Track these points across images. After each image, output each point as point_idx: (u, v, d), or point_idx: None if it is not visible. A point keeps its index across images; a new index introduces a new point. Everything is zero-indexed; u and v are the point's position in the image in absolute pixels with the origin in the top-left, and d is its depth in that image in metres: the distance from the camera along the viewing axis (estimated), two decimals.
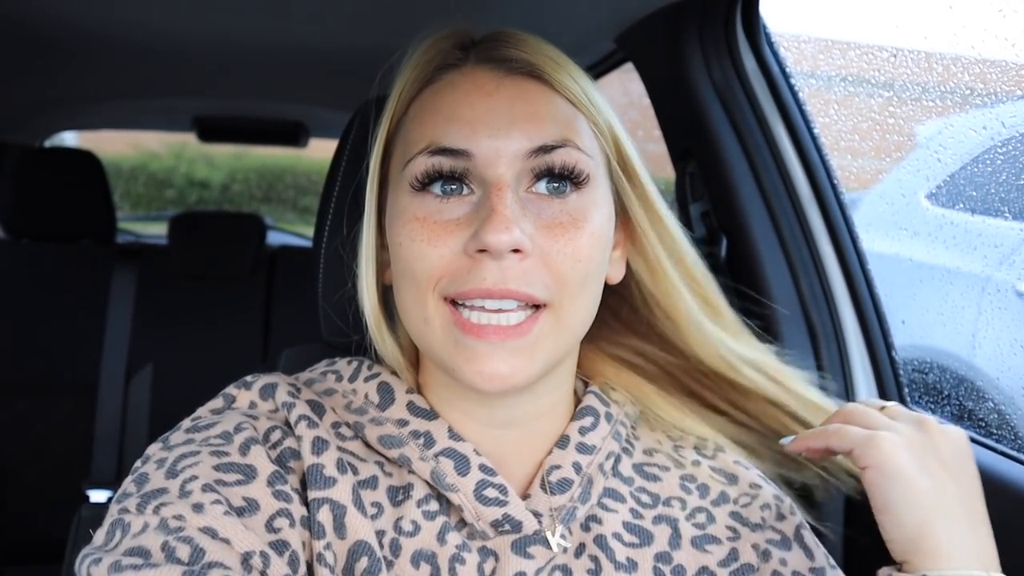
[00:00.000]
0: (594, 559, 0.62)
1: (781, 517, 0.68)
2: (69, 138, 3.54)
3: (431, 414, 0.64)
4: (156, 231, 3.24)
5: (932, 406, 1.17)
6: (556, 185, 0.59)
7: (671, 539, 0.64)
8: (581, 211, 0.59)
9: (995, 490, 0.88)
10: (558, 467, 0.64)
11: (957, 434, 0.62)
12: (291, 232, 3.41)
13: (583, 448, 0.65)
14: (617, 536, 0.63)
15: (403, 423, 0.64)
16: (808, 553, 0.66)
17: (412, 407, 0.64)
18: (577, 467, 0.64)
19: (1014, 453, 0.93)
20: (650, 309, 0.71)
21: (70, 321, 2.13)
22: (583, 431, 0.66)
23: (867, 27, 1.25)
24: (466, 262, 0.57)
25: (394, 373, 0.68)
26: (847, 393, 1.13)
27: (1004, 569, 0.60)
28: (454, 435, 0.63)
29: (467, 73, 0.62)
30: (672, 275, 0.68)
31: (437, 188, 0.59)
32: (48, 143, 2.75)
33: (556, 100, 0.61)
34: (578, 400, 0.70)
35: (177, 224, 2.25)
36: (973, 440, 0.98)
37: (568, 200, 0.59)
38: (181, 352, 2.14)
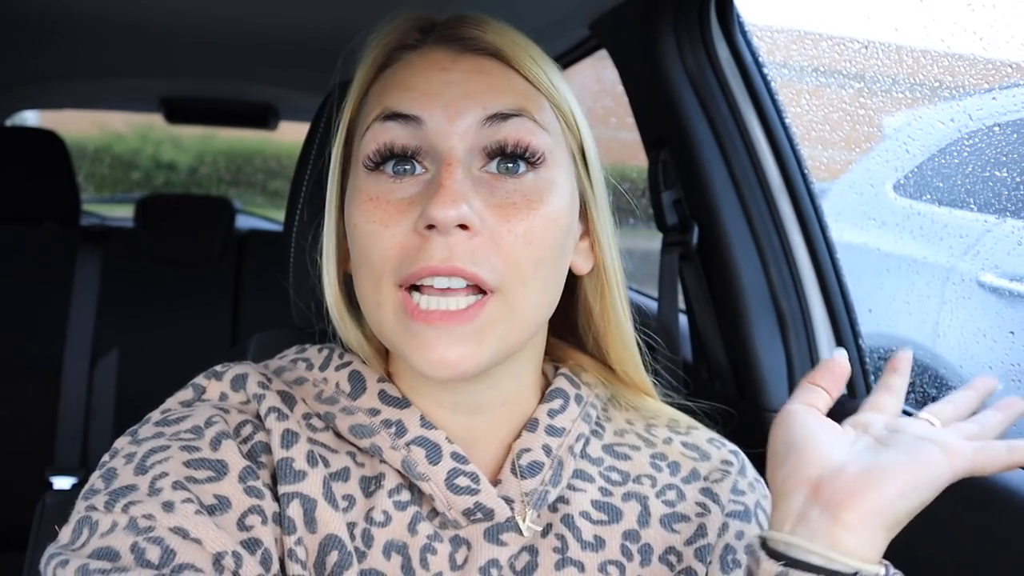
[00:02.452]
0: (560, 537, 0.62)
1: (742, 492, 0.68)
2: (31, 117, 3.46)
3: (403, 402, 0.64)
4: (122, 214, 3.19)
5: None
6: (509, 165, 0.58)
7: (640, 516, 0.64)
8: (536, 191, 0.58)
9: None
10: (528, 450, 0.64)
11: None
12: (260, 216, 3.37)
13: (552, 430, 0.65)
14: (585, 515, 0.63)
15: (374, 412, 0.63)
16: (764, 529, 0.67)
17: (384, 395, 0.64)
18: (547, 449, 0.64)
19: None
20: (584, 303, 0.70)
21: (33, 305, 2.09)
22: (552, 413, 0.66)
23: (839, 19, 1.26)
24: (416, 240, 0.56)
25: (365, 361, 0.67)
26: None
27: (972, 556, 0.61)
28: (426, 423, 0.63)
29: (424, 53, 0.61)
30: (611, 280, 0.67)
31: (390, 168, 0.58)
32: (9, 122, 2.68)
33: (514, 77, 0.60)
34: (548, 383, 0.70)
35: (144, 207, 2.21)
36: None
37: (523, 180, 0.58)
38: (148, 336, 2.11)
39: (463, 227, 0.55)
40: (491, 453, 0.65)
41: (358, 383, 0.65)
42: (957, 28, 1.00)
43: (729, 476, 0.69)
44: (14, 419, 2.03)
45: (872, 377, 1.14)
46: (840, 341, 1.14)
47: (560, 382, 0.69)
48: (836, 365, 0.63)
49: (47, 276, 2.11)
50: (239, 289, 2.21)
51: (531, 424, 0.65)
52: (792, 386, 1.14)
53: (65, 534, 0.53)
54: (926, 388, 1.21)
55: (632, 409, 0.73)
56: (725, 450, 0.72)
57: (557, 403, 0.67)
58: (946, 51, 1.07)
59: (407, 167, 0.58)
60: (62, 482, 1.95)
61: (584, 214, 0.66)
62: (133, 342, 2.10)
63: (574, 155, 0.64)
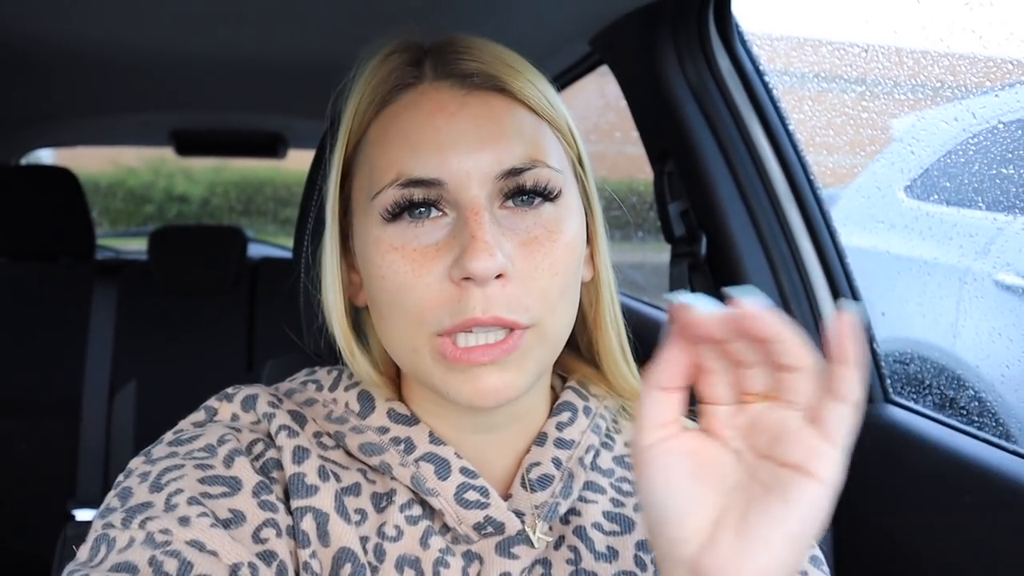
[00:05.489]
0: (573, 549, 0.62)
1: None
2: (46, 155, 3.51)
3: (412, 420, 0.64)
4: (136, 247, 3.22)
5: (914, 396, 1.18)
6: (525, 197, 0.59)
7: None
8: (555, 222, 0.59)
9: (980, 479, 0.90)
10: (537, 464, 0.64)
11: None
12: (272, 244, 3.40)
13: (561, 443, 0.65)
14: (597, 526, 0.63)
15: (383, 430, 0.64)
16: None
17: (392, 414, 0.64)
18: (557, 462, 0.64)
19: (995, 440, 0.94)
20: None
21: (51, 339, 2.11)
22: (560, 426, 0.66)
23: (838, 24, 1.26)
24: (453, 291, 0.56)
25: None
26: None
27: (984, 554, 0.60)
28: (435, 439, 0.63)
29: (427, 92, 0.61)
30: (605, 288, 0.67)
31: (407, 215, 0.58)
32: (24, 161, 2.72)
33: (519, 112, 0.60)
34: (556, 396, 0.70)
35: (157, 239, 2.23)
36: (956, 429, 0.99)
37: (541, 212, 0.59)
38: (165, 367, 2.12)
39: (498, 276, 0.55)
40: (502, 468, 0.65)
41: (367, 402, 0.65)
42: (956, 27, 1.01)
43: None
44: (35, 453, 2.05)
45: (888, 381, 1.13)
46: None
47: (568, 395, 0.69)
48: (685, 325, 0.46)
49: (64, 311, 2.13)
50: (253, 317, 2.23)
51: (540, 438, 0.66)
52: None
53: (83, 552, 0.54)
54: (944, 390, 1.20)
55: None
56: None
57: (566, 416, 0.67)
58: (946, 51, 1.07)
59: (423, 210, 0.58)
60: (84, 514, 1.96)
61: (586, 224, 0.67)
62: (150, 373, 2.12)
63: (576, 170, 0.65)
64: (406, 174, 0.58)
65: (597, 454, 0.68)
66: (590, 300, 0.68)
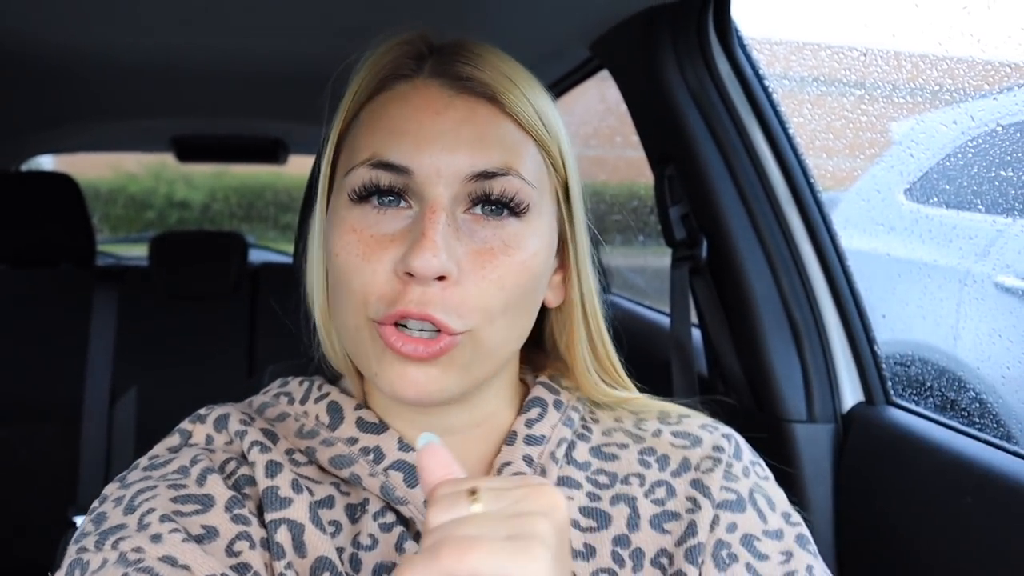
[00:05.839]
0: None
1: (735, 478, 0.66)
2: (46, 161, 3.51)
3: (380, 427, 0.64)
4: (137, 253, 3.23)
5: (915, 398, 1.18)
6: (493, 208, 0.59)
7: (629, 519, 0.63)
8: (515, 239, 0.59)
9: (981, 480, 0.90)
10: (508, 463, 0.64)
11: (558, 504, 0.47)
12: (273, 250, 3.40)
13: (531, 440, 0.65)
14: (573, 523, 0.63)
15: (353, 441, 0.64)
16: (761, 516, 0.64)
17: (361, 423, 0.65)
18: (528, 460, 0.64)
19: (996, 441, 0.94)
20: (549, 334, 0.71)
21: (52, 346, 2.11)
22: (530, 423, 0.66)
23: (837, 28, 1.27)
24: (396, 284, 0.57)
25: (344, 391, 0.68)
26: (831, 389, 1.14)
27: (985, 555, 0.60)
28: (404, 446, 0.63)
29: (419, 87, 0.61)
30: (576, 315, 0.67)
31: (375, 200, 0.59)
32: (25, 167, 2.73)
33: (505, 124, 0.60)
34: (528, 392, 0.69)
35: (157, 245, 2.23)
36: (958, 430, 0.99)
37: (505, 225, 0.59)
38: (166, 373, 2.12)
39: (440, 278, 0.56)
40: (474, 471, 0.65)
41: (336, 414, 0.65)
42: (953, 31, 1.01)
43: (720, 464, 0.66)
44: (36, 460, 2.05)
45: (889, 384, 1.13)
46: (855, 349, 1.14)
47: (538, 391, 0.69)
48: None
49: (65, 317, 2.13)
50: (254, 322, 2.23)
51: (510, 437, 0.65)
52: (809, 396, 1.14)
53: None
54: (944, 391, 1.20)
55: (620, 406, 0.71)
56: (718, 434, 0.69)
57: (535, 412, 0.67)
58: (944, 55, 1.07)
59: (391, 199, 0.59)
60: None
61: (561, 249, 0.66)
62: (151, 378, 2.11)
63: (558, 194, 0.64)
64: (379, 156, 0.58)
65: (572, 447, 0.67)
66: (560, 327, 0.69)
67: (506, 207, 0.59)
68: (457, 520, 0.44)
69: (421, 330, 0.57)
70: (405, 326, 0.57)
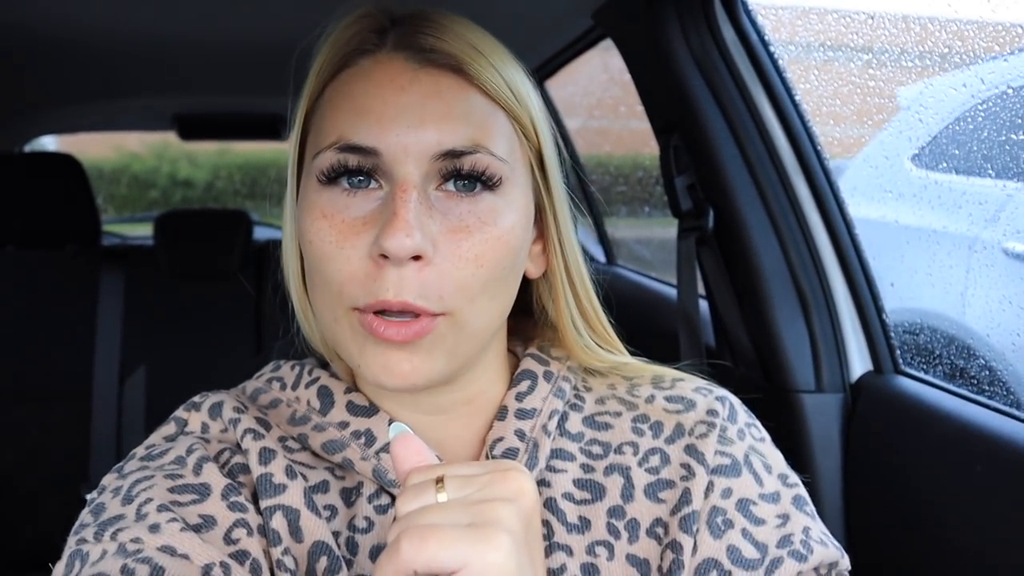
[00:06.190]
0: (545, 523, 0.61)
1: (730, 441, 0.65)
2: (49, 142, 3.51)
3: (370, 410, 0.64)
4: (142, 232, 3.23)
5: (924, 366, 1.17)
6: (466, 182, 0.58)
7: (624, 490, 0.63)
8: (490, 213, 0.58)
9: (991, 448, 0.89)
10: (500, 439, 0.63)
11: (525, 489, 0.47)
12: (278, 227, 3.38)
13: (522, 413, 0.65)
14: (567, 496, 0.62)
15: (344, 425, 0.63)
16: (757, 479, 0.63)
17: (351, 406, 0.64)
18: (520, 434, 0.63)
19: (1006, 409, 0.94)
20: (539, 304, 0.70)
21: (60, 326, 2.12)
22: (520, 397, 0.65)
23: None
24: (370, 268, 0.56)
25: (334, 375, 0.67)
26: (839, 359, 1.13)
27: (995, 523, 0.59)
28: None
29: (381, 61, 0.59)
30: (561, 283, 0.66)
31: (344, 182, 0.58)
32: (28, 148, 2.72)
33: (472, 96, 0.59)
34: (518, 364, 0.69)
35: (162, 224, 2.23)
36: (967, 399, 0.99)
37: (478, 200, 0.58)
38: (174, 351, 2.13)
39: (416, 257, 0.55)
40: (466, 448, 0.65)
41: (327, 398, 0.65)
42: None
43: (714, 429, 0.65)
44: (47, 439, 2.07)
45: (898, 352, 1.13)
46: (863, 318, 1.13)
47: (527, 363, 0.68)
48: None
49: (72, 297, 2.14)
50: (261, 298, 2.23)
51: (501, 412, 0.65)
52: (817, 366, 1.13)
53: (59, 570, 0.54)
54: (954, 359, 1.19)
55: (613, 372, 0.70)
56: (712, 397, 0.68)
57: (525, 385, 0.66)
58: (953, 16, 1.05)
59: (361, 179, 0.58)
60: None
61: (539, 219, 0.65)
62: (160, 357, 2.13)
63: (532, 164, 0.63)
64: (345, 139, 0.57)
65: (564, 418, 0.67)
66: (547, 295, 0.68)
67: (478, 180, 0.58)
68: (420, 509, 0.44)
69: (401, 313, 0.56)
70: (384, 312, 0.56)
